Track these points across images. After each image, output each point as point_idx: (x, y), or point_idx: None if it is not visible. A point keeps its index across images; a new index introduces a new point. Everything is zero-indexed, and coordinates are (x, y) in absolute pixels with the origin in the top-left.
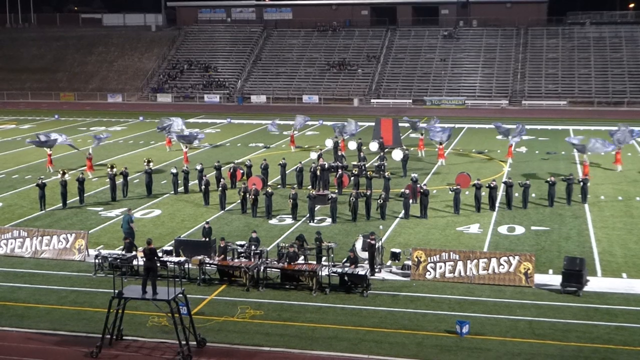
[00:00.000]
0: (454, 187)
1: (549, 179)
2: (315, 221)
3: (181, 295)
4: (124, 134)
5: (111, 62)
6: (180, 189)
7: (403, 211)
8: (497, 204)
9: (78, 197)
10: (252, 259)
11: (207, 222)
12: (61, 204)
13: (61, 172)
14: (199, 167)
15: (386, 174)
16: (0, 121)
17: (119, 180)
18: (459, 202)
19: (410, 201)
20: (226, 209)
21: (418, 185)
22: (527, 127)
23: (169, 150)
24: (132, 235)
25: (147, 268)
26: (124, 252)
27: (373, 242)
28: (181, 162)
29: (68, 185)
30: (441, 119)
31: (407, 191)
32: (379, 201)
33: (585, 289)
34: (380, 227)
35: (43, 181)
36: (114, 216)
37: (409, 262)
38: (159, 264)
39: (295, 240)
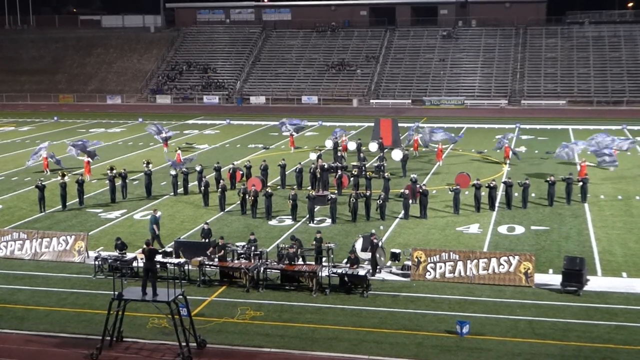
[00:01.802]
0: (454, 187)
1: (548, 179)
2: (315, 222)
3: (181, 296)
4: (123, 136)
5: (110, 63)
6: (180, 190)
7: (403, 211)
8: (496, 204)
9: (77, 199)
10: (252, 260)
11: (207, 223)
12: (61, 206)
13: (60, 173)
14: (198, 169)
15: (386, 174)
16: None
17: (118, 182)
18: (459, 202)
19: (410, 201)
20: (226, 210)
21: (417, 186)
22: (527, 127)
23: (166, 151)
24: (155, 236)
25: (147, 269)
26: (120, 253)
27: (375, 240)
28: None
29: (67, 187)
30: (441, 119)
31: (407, 191)
32: (378, 201)
33: (586, 288)
34: (381, 227)
35: (42, 183)
36: (114, 218)
37: (409, 263)
38: (158, 265)
39: (294, 241)
